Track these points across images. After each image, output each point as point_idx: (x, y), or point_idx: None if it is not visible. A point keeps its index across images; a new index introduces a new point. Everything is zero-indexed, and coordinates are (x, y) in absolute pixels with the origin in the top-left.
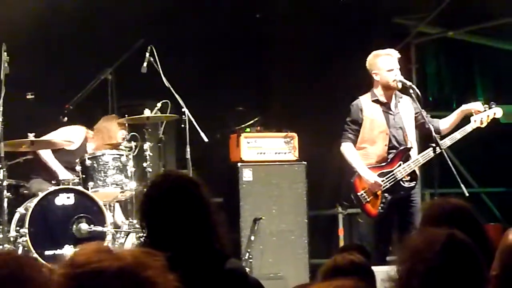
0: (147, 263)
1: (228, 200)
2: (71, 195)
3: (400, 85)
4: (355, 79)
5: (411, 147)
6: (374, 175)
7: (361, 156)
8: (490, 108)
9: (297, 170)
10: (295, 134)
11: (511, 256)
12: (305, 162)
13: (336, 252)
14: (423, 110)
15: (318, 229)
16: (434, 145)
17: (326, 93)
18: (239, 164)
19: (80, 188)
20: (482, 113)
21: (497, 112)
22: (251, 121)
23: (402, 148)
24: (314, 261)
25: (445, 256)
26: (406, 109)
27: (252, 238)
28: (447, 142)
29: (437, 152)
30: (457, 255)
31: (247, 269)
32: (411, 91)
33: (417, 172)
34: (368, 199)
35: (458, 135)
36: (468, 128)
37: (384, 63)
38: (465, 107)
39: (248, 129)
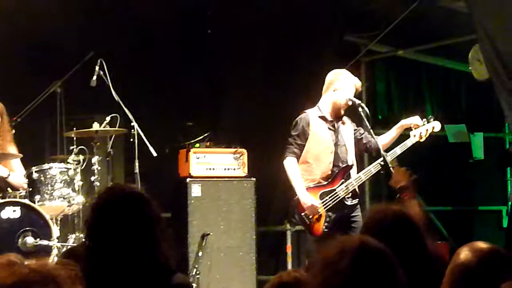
0: (50, 276)
1: (176, 215)
2: (17, 208)
3: (343, 112)
4: (305, 96)
5: (353, 165)
6: (311, 199)
7: (305, 171)
8: (428, 122)
9: (246, 186)
10: (244, 150)
11: (461, 274)
12: (254, 179)
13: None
14: (367, 126)
15: (266, 245)
16: (382, 162)
17: (276, 110)
18: (188, 179)
19: (26, 201)
20: (421, 127)
21: (436, 126)
22: (201, 137)
23: (344, 166)
24: (261, 277)
25: (357, 266)
26: (346, 126)
27: (200, 254)
28: (387, 158)
29: (382, 166)
30: (369, 263)
31: (194, 285)
32: (360, 109)
33: (356, 189)
34: (312, 219)
35: (398, 150)
36: (408, 143)
37: (348, 87)
38: (404, 122)
39: (197, 145)
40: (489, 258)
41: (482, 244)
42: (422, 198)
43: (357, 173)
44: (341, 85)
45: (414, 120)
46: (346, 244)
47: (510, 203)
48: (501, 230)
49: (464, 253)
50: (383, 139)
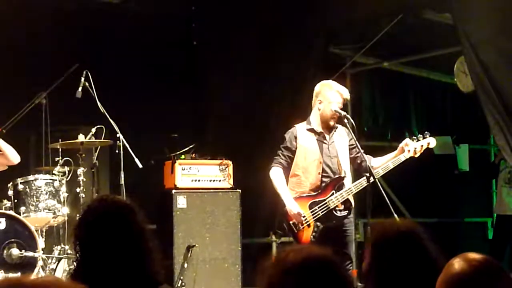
0: None
1: (161, 227)
2: (2, 220)
3: (334, 123)
4: (290, 107)
5: (345, 176)
6: (297, 207)
7: (295, 184)
8: (424, 138)
9: (231, 197)
10: (230, 162)
11: (457, 285)
12: (240, 190)
13: None
14: (357, 144)
15: (252, 257)
16: (367, 174)
17: (261, 121)
18: (173, 191)
19: (11, 212)
20: (416, 143)
21: (431, 142)
22: (186, 148)
23: (335, 177)
24: None
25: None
26: (341, 138)
27: (185, 265)
28: (379, 171)
29: (370, 182)
30: (314, 279)
31: None
32: (345, 121)
33: (352, 201)
34: (301, 228)
35: (391, 164)
36: (401, 158)
37: (333, 97)
38: (398, 149)
39: (183, 156)
40: (484, 268)
41: (474, 255)
42: (408, 209)
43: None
44: (325, 96)
45: (406, 140)
46: (289, 262)
47: (495, 215)
48: (486, 242)
49: (458, 264)
50: (376, 162)
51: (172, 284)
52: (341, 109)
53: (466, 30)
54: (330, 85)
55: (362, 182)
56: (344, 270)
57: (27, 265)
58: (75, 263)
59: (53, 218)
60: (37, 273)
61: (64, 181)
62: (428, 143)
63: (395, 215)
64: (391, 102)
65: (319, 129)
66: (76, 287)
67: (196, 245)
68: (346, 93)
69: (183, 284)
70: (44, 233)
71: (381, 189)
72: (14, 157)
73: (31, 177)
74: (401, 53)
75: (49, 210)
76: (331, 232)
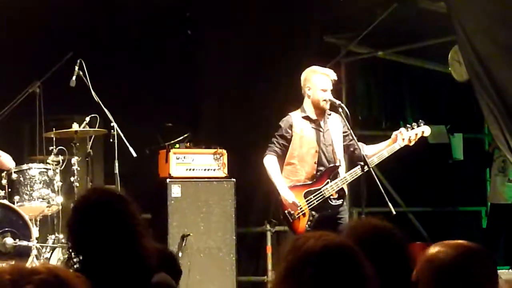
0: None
1: (156, 216)
2: None
3: (328, 106)
4: (284, 96)
5: (339, 165)
6: (292, 196)
7: (291, 172)
8: (418, 126)
9: (226, 187)
10: (224, 151)
11: (425, 265)
12: (234, 179)
13: None
14: (351, 132)
15: (246, 246)
16: (362, 163)
17: (255, 110)
18: (167, 180)
19: (5, 202)
20: (410, 131)
21: (426, 130)
22: (181, 137)
23: (330, 166)
24: (241, 278)
25: (321, 274)
26: (335, 126)
27: (180, 254)
28: (374, 160)
29: (365, 171)
30: (333, 268)
31: None
32: (340, 110)
33: (345, 189)
34: (296, 217)
35: (385, 153)
36: (396, 146)
37: (319, 82)
38: (391, 138)
39: (177, 145)
40: (469, 255)
41: (451, 241)
42: (402, 198)
43: (345, 172)
44: (312, 82)
45: (401, 129)
46: (308, 249)
47: (489, 203)
48: (480, 231)
49: (441, 250)
50: (370, 150)
51: None
52: (335, 97)
53: (460, 19)
54: (315, 70)
55: (357, 171)
56: (363, 259)
57: (21, 254)
58: (68, 253)
59: (47, 207)
60: (31, 262)
61: (58, 170)
62: (423, 132)
63: (389, 204)
64: (385, 91)
65: (313, 116)
66: (75, 277)
67: (191, 234)
68: (332, 74)
69: None
70: (38, 222)
71: (376, 178)
72: (9, 163)
73: (25, 166)
74: (395, 42)
75: (43, 199)
76: (326, 221)
